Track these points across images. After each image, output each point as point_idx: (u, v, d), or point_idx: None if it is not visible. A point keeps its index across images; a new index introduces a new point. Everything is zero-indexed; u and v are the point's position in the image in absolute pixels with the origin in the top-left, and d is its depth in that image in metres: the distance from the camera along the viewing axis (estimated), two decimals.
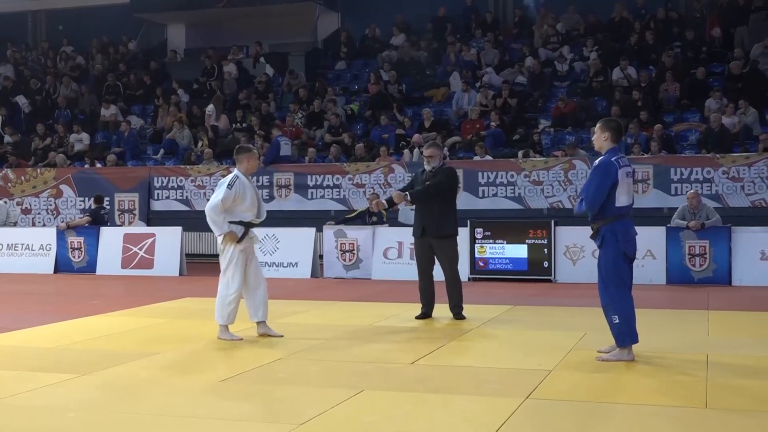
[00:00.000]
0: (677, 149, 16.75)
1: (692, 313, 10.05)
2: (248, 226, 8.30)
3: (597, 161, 7.11)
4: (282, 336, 8.38)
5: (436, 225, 9.38)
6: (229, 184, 8.12)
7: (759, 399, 5.93)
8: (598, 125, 7.27)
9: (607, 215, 7.02)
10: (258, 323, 8.48)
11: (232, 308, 8.24)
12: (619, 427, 5.25)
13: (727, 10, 20.38)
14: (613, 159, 7.03)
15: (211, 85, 22.40)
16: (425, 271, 9.57)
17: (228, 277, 8.22)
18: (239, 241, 8.18)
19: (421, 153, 17.22)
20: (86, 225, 16.13)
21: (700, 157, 15.89)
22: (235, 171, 8.30)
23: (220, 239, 8.23)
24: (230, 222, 8.17)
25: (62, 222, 17.22)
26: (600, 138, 7.18)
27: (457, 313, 9.53)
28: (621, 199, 7.01)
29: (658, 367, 6.92)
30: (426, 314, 9.58)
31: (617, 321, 7.01)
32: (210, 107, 20.54)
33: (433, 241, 9.46)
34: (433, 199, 9.39)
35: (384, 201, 9.74)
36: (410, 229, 9.86)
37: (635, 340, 7.06)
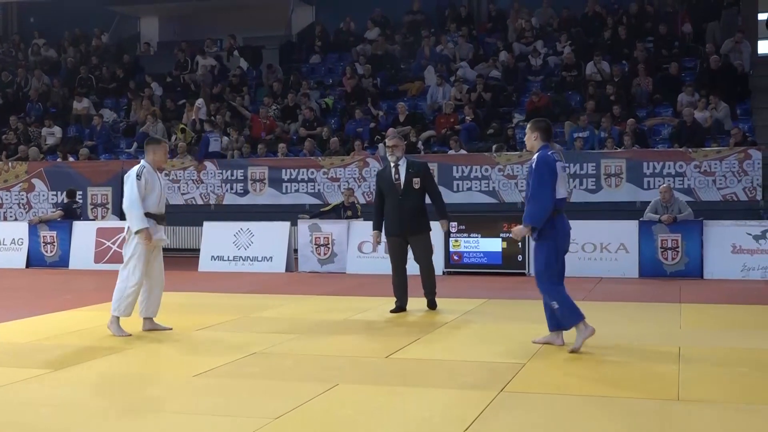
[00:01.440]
0: (650, 143, 16.87)
1: (665, 306, 10.13)
2: (156, 219, 8.20)
3: (535, 158, 7.25)
4: (171, 329, 8.31)
5: (415, 223, 9.48)
6: (137, 174, 8.03)
7: (731, 391, 6.00)
8: (528, 126, 7.53)
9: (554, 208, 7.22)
10: (145, 319, 8.38)
11: (130, 301, 8.14)
12: (592, 420, 5.29)
13: (699, 5, 20.55)
14: (549, 153, 7.26)
15: (184, 79, 22.27)
16: (399, 266, 9.60)
17: (129, 270, 8.12)
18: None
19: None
20: (59, 219, 15.98)
21: (672, 151, 16.02)
22: (142, 161, 8.23)
23: (132, 230, 8.10)
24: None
25: (34, 216, 17.05)
26: (531, 138, 7.41)
27: (431, 300, 9.67)
28: (560, 191, 7.23)
29: (631, 359, 6.98)
30: (401, 308, 9.61)
31: (557, 306, 7.16)
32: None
33: (410, 237, 9.52)
34: (411, 198, 9.48)
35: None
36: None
37: (581, 315, 7.13)
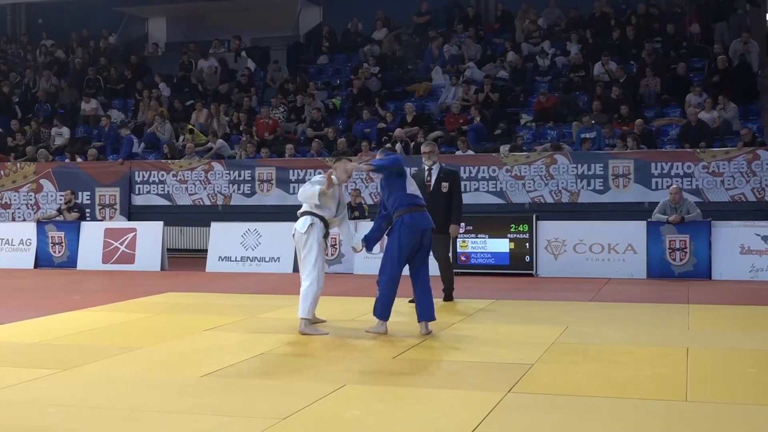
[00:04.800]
0: (658, 144, 16.82)
1: (673, 307, 10.11)
2: (325, 223, 8.39)
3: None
4: (327, 333, 8.25)
5: (439, 222, 9.79)
6: (314, 181, 8.43)
7: (739, 392, 5.98)
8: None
9: (402, 206, 7.92)
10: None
11: (315, 301, 8.22)
12: (600, 421, 5.28)
13: (707, 6, 20.49)
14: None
15: (192, 80, 22.28)
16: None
17: (317, 270, 8.18)
18: (325, 236, 8.35)
19: (403, 147, 17.29)
20: (73, 220, 16.02)
21: (680, 151, 15.97)
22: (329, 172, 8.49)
23: (302, 230, 8.24)
24: (314, 214, 8.32)
25: (52, 212, 16.94)
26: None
27: (448, 295, 10.30)
28: (410, 187, 8.11)
29: (639, 360, 6.96)
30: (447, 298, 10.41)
31: (378, 295, 8.05)
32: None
33: (433, 234, 9.71)
34: (439, 200, 10.10)
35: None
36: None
37: (383, 317, 8.05)
